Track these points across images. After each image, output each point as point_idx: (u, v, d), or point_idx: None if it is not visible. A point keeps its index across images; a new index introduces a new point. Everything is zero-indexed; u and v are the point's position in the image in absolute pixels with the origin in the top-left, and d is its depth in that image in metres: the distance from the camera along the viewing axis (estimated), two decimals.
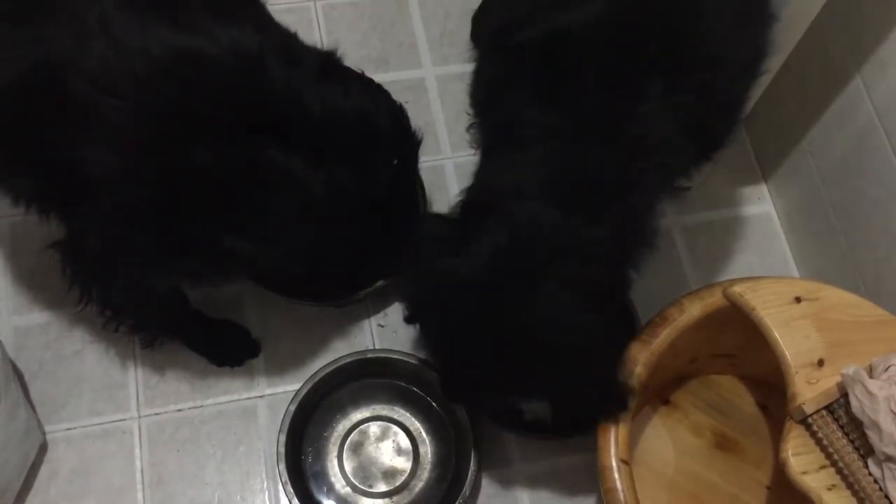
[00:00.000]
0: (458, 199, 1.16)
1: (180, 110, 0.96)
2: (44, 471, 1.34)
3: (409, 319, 1.20)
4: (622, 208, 1.03)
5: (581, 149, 1.02)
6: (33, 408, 1.35)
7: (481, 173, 1.17)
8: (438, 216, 1.27)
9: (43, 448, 1.34)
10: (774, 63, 1.32)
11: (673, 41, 1.03)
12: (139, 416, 1.39)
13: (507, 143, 1.08)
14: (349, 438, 1.38)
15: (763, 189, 1.65)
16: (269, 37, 1.05)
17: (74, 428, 1.37)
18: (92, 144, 0.97)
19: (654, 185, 1.08)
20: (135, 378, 1.41)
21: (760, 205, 1.64)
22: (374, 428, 1.39)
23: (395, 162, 1.16)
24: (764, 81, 1.35)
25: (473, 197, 1.12)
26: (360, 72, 1.22)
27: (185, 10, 1.00)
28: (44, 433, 1.35)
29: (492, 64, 1.21)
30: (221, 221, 1.03)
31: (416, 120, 1.59)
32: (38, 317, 1.43)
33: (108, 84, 0.95)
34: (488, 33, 1.26)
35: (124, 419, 1.38)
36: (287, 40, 1.12)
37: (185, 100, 0.96)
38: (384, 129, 1.15)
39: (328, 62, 1.14)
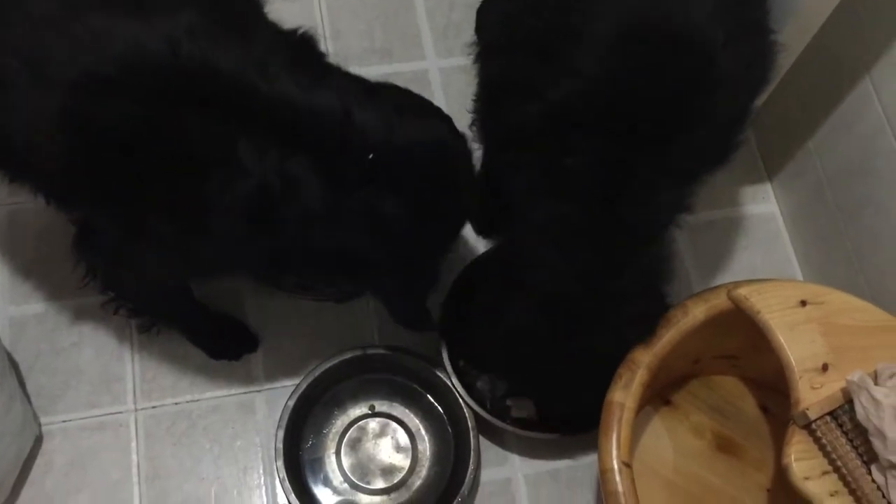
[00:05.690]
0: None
1: (103, 89, 0.97)
2: (39, 463, 1.33)
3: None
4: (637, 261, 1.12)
5: (588, 219, 1.08)
6: (29, 400, 1.33)
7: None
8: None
9: (38, 440, 1.33)
10: (782, 66, 1.30)
11: (673, 106, 1.03)
12: (136, 409, 1.38)
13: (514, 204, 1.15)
14: (348, 434, 1.37)
15: (767, 188, 1.64)
16: (211, 14, 1.02)
17: (70, 420, 1.36)
18: (16, 115, 1.01)
19: (662, 234, 1.16)
20: (132, 371, 1.40)
21: (764, 204, 1.63)
22: (372, 424, 1.38)
23: (371, 157, 1.02)
24: (771, 83, 1.34)
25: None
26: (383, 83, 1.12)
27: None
28: (40, 425, 1.34)
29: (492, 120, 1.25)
30: (147, 203, 1.02)
31: None
32: (35, 307, 1.42)
33: (31, 60, 0.98)
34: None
35: (121, 412, 1.37)
36: (243, 19, 1.07)
37: (115, 77, 0.96)
38: (357, 129, 1.01)
39: (289, 42, 1.07)
